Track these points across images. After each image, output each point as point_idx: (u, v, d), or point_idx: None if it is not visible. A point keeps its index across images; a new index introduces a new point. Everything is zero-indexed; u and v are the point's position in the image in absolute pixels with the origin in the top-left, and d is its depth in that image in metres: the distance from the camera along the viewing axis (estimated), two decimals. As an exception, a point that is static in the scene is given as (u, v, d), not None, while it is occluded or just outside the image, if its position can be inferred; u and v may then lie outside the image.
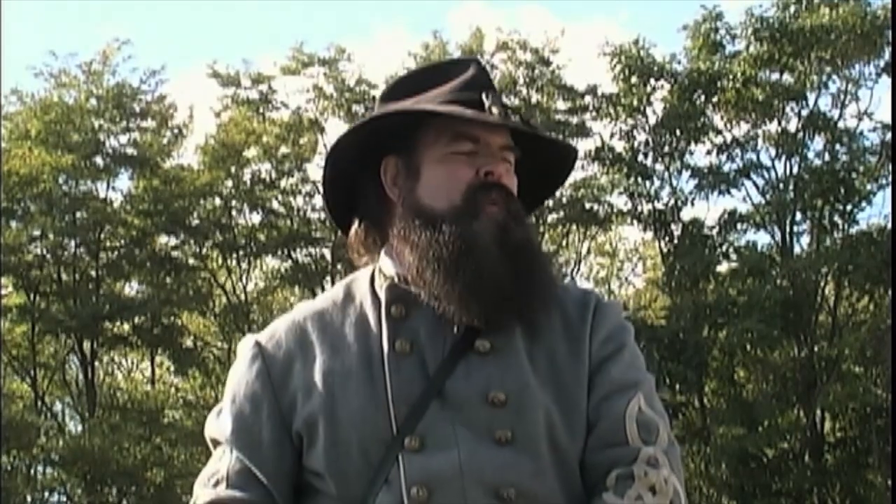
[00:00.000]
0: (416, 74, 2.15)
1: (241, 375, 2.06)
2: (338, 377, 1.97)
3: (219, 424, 2.06)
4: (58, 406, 27.21)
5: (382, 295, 2.02)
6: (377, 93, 25.93)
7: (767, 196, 24.56)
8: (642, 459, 1.94)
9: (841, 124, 24.26)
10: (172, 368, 27.15)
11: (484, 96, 2.01)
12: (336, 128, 25.96)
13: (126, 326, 25.39)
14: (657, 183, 24.98)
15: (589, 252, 28.57)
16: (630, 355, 2.06)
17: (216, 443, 2.07)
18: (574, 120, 25.44)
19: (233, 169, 25.41)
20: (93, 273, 24.93)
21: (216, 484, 2.01)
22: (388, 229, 2.06)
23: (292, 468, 2.00)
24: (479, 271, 1.94)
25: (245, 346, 2.08)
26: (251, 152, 25.58)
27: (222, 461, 2.03)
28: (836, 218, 24.02)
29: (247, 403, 2.02)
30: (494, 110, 2.00)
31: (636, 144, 24.96)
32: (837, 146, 24.19)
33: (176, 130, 25.87)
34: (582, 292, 2.11)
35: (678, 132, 24.59)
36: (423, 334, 1.98)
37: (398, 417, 1.93)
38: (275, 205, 25.88)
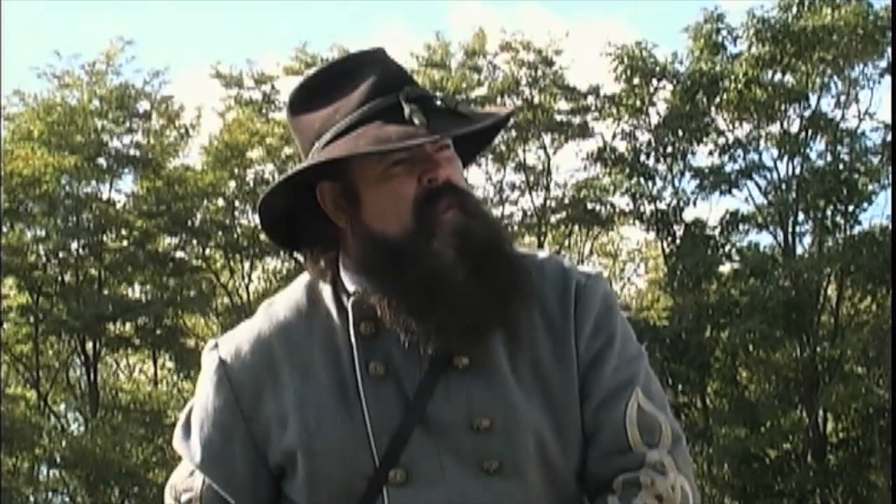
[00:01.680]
0: (321, 78, 1.96)
1: (207, 398, 1.96)
2: (312, 407, 1.87)
3: (189, 448, 1.96)
4: (61, 407, 27.21)
5: (349, 310, 1.90)
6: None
7: (769, 196, 24.57)
8: (648, 465, 1.88)
9: (843, 125, 24.29)
10: (175, 369, 27.15)
11: (402, 102, 1.86)
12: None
13: (129, 327, 25.41)
14: (659, 183, 25.02)
15: (591, 252, 28.56)
16: (620, 344, 1.95)
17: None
18: (576, 120, 25.45)
19: (236, 170, 25.43)
20: (96, 274, 24.94)
21: (189, 502, 1.96)
22: (338, 251, 1.94)
23: (269, 497, 1.93)
24: (453, 304, 1.82)
25: (209, 362, 1.99)
26: (254, 153, 25.60)
27: (195, 479, 1.95)
28: (839, 218, 24.02)
29: (216, 434, 1.93)
30: (416, 120, 1.83)
31: (638, 145, 24.98)
32: (839, 147, 24.20)
33: (182, 130, 25.89)
34: (559, 273, 1.98)
35: (680, 133, 24.61)
36: (396, 354, 1.86)
37: (380, 449, 1.84)
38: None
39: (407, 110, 1.84)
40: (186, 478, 1.97)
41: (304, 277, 2.00)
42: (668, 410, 1.95)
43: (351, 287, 1.92)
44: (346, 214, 1.91)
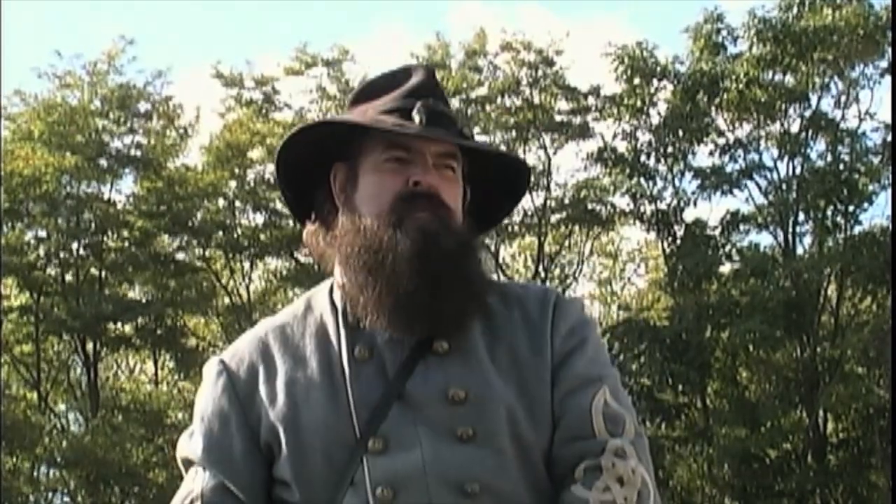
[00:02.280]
0: (375, 80, 2.17)
1: (207, 395, 2.08)
2: (300, 387, 1.99)
3: (191, 445, 2.07)
4: (61, 407, 27.23)
5: (337, 300, 2.06)
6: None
7: (770, 197, 24.57)
8: (610, 451, 1.96)
9: (843, 125, 24.29)
10: (175, 369, 27.17)
11: (418, 105, 2.03)
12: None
13: (129, 327, 25.42)
14: (660, 184, 25.01)
15: (592, 253, 28.58)
16: (593, 350, 2.07)
17: (189, 463, 2.08)
18: (577, 121, 25.46)
19: (237, 170, 25.44)
20: (96, 274, 24.95)
21: (192, 503, 2.02)
22: (335, 231, 2.09)
23: (266, 479, 2.02)
24: (392, 283, 1.97)
25: (210, 368, 2.11)
26: (255, 153, 25.60)
27: (196, 481, 2.04)
28: (839, 218, 24.02)
29: (215, 420, 2.04)
30: (417, 119, 2.01)
31: (639, 145, 24.98)
32: (840, 147, 24.19)
33: (181, 131, 25.89)
34: (542, 290, 2.13)
35: (681, 133, 24.60)
36: (380, 340, 2.00)
37: (360, 421, 1.95)
38: (278, 205, 25.89)
39: (415, 111, 2.02)
40: (189, 483, 2.05)
41: (303, 296, 2.16)
42: (633, 415, 2.04)
43: (340, 280, 2.07)
44: (345, 196, 2.09)
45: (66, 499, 25.18)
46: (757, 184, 24.65)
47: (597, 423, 1.99)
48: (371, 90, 2.13)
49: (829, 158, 24.19)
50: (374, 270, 1.98)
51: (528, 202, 25.83)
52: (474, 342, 2.01)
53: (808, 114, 24.32)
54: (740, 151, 24.68)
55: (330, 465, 1.95)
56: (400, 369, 1.98)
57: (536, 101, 25.38)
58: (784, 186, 24.36)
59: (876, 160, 23.95)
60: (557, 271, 26.65)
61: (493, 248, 25.00)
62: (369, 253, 1.99)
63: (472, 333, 2.01)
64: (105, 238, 24.92)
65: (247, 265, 26.47)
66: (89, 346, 24.91)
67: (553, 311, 2.07)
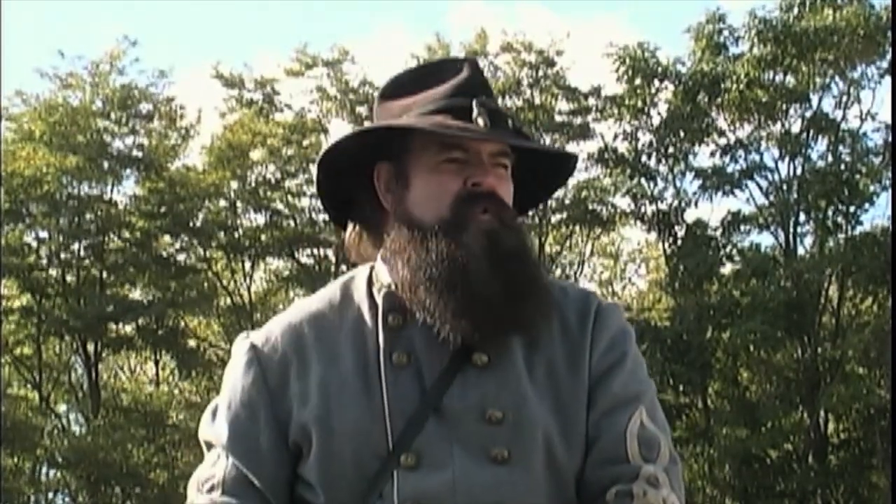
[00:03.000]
0: (413, 73, 2.11)
1: (236, 379, 2.02)
2: (333, 387, 1.95)
3: (214, 429, 2.01)
4: (62, 407, 27.24)
5: (380, 302, 1.99)
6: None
7: (771, 197, 24.58)
8: (643, 478, 1.92)
9: (844, 125, 24.30)
10: (176, 370, 27.17)
11: (474, 104, 1.98)
12: (340, 129, 26.01)
13: (130, 328, 25.42)
14: (661, 184, 25.03)
15: (592, 253, 28.60)
16: (632, 364, 2.02)
17: (210, 445, 2.03)
18: (577, 121, 25.47)
19: (238, 170, 25.44)
20: (97, 275, 24.95)
21: (211, 489, 1.97)
22: (382, 234, 2.03)
23: (290, 477, 1.98)
24: (471, 291, 1.91)
25: (240, 349, 2.04)
26: (256, 154, 25.61)
27: (217, 466, 1.98)
28: (840, 219, 24.02)
29: (243, 410, 1.99)
30: (481, 121, 1.96)
31: (640, 146, 25.00)
32: (840, 147, 24.21)
33: (183, 132, 25.90)
34: (582, 295, 2.07)
35: (682, 133, 24.61)
36: (419, 346, 1.95)
37: (394, 432, 1.91)
38: (279, 206, 25.91)
39: (475, 112, 1.96)
40: (210, 467, 2.00)
41: (339, 279, 2.10)
42: (668, 436, 2.00)
43: (385, 279, 2.01)
44: (393, 197, 2.02)
45: (67, 499, 25.20)
46: (758, 184, 24.69)
47: (631, 448, 1.94)
48: (411, 84, 2.06)
49: (830, 159, 24.20)
50: (442, 278, 1.93)
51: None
52: (513, 354, 1.96)
53: (808, 114, 24.34)
54: (741, 152, 24.69)
55: (359, 472, 1.91)
56: (438, 381, 1.93)
57: (537, 101, 25.39)
58: (785, 187, 24.37)
59: (877, 161, 23.95)
60: (558, 272, 26.65)
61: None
62: (437, 262, 1.93)
63: (512, 345, 1.96)
64: (106, 239, 24.93)
65: (248, 266, 26.47)
66: (90, 346, 24.92)
67: (593, 323, 2.01)
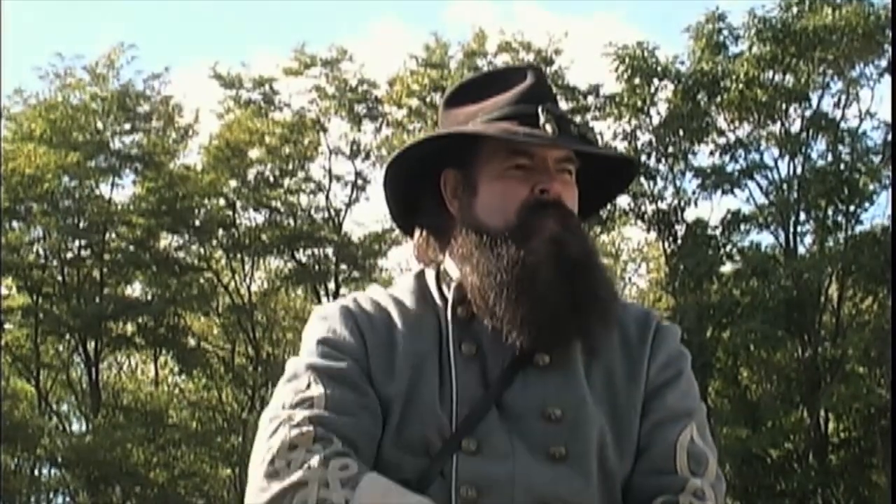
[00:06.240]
0: (477, 81, 2.15)
1: (331, 327, 2.01)
2: (416, 368, 1.98)
3: (309, 360, 1.99)
4: (62, 407, 27.26)
5: (449, 294, 2.04)
6: (378, 93, 26.13)
7: (771, 196, 24.57)
8: (689, 490, 1.95)
9: (843, 124, 24.28)
10: (176, 369, 27.18)
11: (540, 110, 2.02)
12: (338, 127, 26.05)
13: (130, 327, 25.43)
14: (661, 183, 25.01)
15: (592, 252, 28.53)
16: (686, 383, 2.09)
17: (294, 376, 1.98)
18: (577, 120, 25.42)
19: (236, 169, 25.44)
20: (96, 273, 24.95)
21: (311, 406, 1.94)
22: (449, 238, 2.07)
23: (377, 436, 1.97)
24: (539, 298, 1.95)
25: (333, 308, 2.05)
26: (255, 152, 25.61)
27: (312, 389, 1.95)
28: (840, 218, 24.02)
29: (339, 354, 1.98)
30: (548, 128, 2.00)
31: (639, 145, 24.97)
32: (840, 146, 24.19)
33: (181, 131, 25.90)
34: (643, 312, 2.12)
35: (681, 133, 24.60)
36: (485, 340, 1.99)
37: (459, 417, 1.95)
38: (278, 204, 25.90)
39: (542, 119, 2.02)
40: (291, 393, 1.96)
41: (410, 272, 2.15)
42: (716, 455, 2.05)
43: (453, 274, 2.05)
44: (460, 203, 2.06)
45: (67, 499, 25.20)
46: (758, 183, 24.67)
47: (680, 460, 1.98)
48: (476, 92, 2.09)
49: (830, 158, 24.19)
50: (511, 283, 1.96)
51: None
52: (574, 359, 2.00)
53: (808, 113, 24.33)
54: (741, 151, 24.68)
55: (426, 452, 1.94)
56: (500, 377, 1.98)
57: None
58: (785, 186, 24.36)
59: (876, 159, 23.94)
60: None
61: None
62: (506, 270, 1.96)
63: (574, 350, 2.00)
64: (106, 237, 24.92)
65: (248, 264, 26.45)
66: (90, 345, 24.92)
67: (653, 339, 2.08)
